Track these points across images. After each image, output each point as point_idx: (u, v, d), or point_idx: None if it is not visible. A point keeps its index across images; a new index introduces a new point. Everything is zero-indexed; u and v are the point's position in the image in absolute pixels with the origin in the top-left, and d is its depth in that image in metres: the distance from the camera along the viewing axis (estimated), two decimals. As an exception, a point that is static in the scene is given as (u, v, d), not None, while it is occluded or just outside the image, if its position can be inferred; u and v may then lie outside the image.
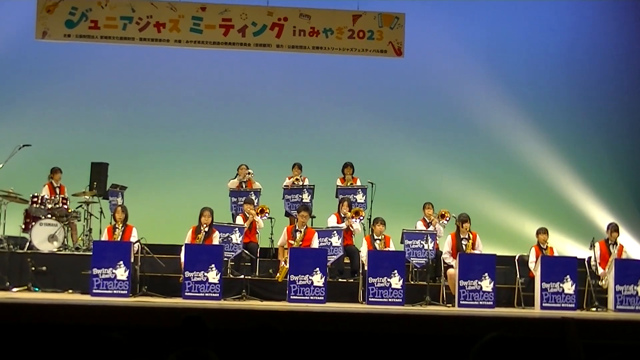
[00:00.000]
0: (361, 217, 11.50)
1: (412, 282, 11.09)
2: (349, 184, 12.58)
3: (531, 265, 10.79)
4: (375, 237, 10.75)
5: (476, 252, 10.73)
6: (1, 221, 11.70)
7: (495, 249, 11.35)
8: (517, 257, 11.14)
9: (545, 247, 10.97)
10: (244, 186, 12.46)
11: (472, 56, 14.82)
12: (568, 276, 10.23)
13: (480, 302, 10.02)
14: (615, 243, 11.13)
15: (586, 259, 11.06)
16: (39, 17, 13.37)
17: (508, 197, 14.54)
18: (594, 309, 10.32)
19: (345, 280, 11.09)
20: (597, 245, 11.01)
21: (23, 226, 11.70)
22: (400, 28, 13.72)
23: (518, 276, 10.88)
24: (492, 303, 10.06)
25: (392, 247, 10.84)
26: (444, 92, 14.86)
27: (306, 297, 9.82)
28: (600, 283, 10.76)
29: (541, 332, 6.95)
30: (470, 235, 10.83)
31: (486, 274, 10.09)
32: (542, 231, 11.12)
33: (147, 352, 4.55)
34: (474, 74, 14.78)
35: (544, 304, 10.17)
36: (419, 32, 14.24)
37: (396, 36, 13.70)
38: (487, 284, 10.08)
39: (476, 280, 10.09)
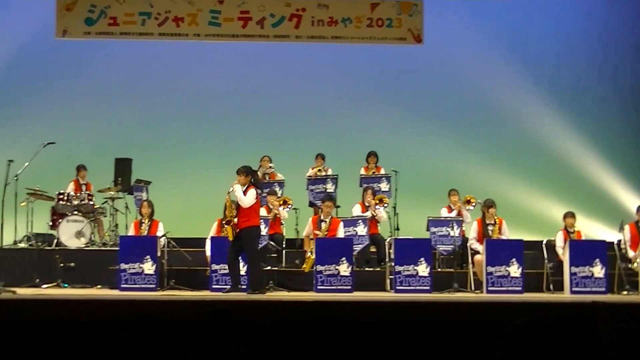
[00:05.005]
0: (385, 205, 11.43)
1: (439, 270, 11.04)
2: (372, 173, 12.52)
3: (559, 250, 10.70)
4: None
5: (502, 237, 10.65)
6: (29, 219, 11.85)
7: (522, 234, 11.26)
8: (544, 242, 11.04)
9: (572, 231, 10.87)
10: (267, 178, 12.45)
11: (494, 41, 14.66)
12: (597, 260, 10.15)
13: (509, 288, 9.95)
14: (646, 225, 11.01)
15: (616, 242, 10.94)
16: (59, 16, 13.42)
17: (534, 181, 14.41)
18: (625, 292, 10.20)
19: (372, 269, 11.06)
20: (626, 227, 10.87)
21: (50, 223, 11.82)
22: (418, 15, 13.63)
23: (546, 261, 10.81)
24: (520, 288, 9.99)
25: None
26: (465, 78, 14.69)
27: (333, 287, 9.81)
28: (631, 266, 10.62)
29: (571, 316, 6.88)
30: (496, 221, 10.73)
31: (514, 260, 10.02)
32: (569, 215, 11.01)
33: (174, 346, 4.56)
34: (495, 59, 14.61)
35: (573, 289, 10.08)
36: (438, 19, 14.12)
37: (415, 23, 13.61)
38: (515, 270, 10.01)
39: (504, 266, 10.03)
